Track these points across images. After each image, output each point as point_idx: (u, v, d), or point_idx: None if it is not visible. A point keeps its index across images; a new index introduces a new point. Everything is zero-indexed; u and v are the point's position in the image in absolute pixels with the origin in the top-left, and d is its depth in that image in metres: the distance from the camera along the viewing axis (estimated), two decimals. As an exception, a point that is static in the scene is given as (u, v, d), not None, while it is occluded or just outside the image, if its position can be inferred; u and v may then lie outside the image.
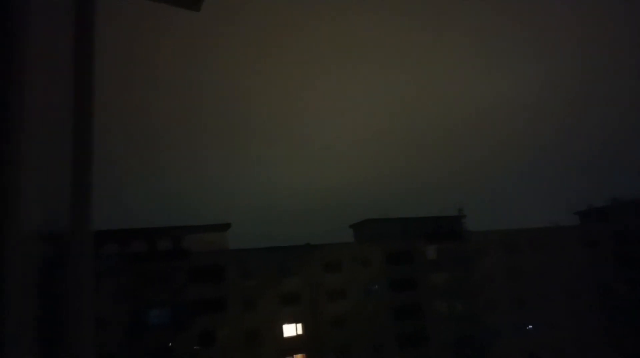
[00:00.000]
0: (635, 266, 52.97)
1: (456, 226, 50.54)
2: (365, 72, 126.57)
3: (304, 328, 42.08)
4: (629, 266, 53.19)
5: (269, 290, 41.36)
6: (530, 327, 49.07)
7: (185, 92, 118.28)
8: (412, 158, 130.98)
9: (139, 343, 36.36)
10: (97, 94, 1.38)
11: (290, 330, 41.84)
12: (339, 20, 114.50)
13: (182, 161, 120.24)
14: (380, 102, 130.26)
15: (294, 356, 41.39)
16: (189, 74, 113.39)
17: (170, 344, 37.86)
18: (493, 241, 49.99)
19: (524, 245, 51.20)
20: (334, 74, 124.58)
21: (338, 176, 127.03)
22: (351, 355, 42.23)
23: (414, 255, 47.22)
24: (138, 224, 40.70)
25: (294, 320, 41.97)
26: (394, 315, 44.65)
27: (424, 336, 45.11)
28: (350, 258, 44.99)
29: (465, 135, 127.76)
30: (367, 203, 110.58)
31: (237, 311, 40.14)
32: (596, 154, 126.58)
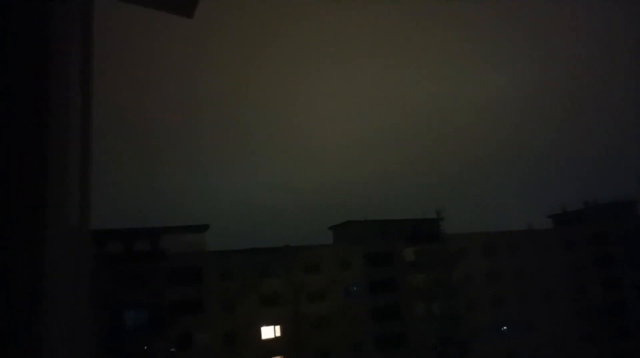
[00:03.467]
0: (608, 267, 54.46)
1: (435, 229, 51.16)
2: (347, 74, 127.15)
3: (282, 330, 41.98)
4: (602, 268, 54.66)
5: (248, 292, 41.16)
6: (504, 328, 49.97)
7: (168, 93, 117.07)
8: (392, 161, 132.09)
9: (114, 346, 35.73)
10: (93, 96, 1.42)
11: (269, 332, 41.70)
12: (329, 19, 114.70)
13: (162, 162, 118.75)
14: (362, 105, 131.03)
15: (273, 358, 41.28)
16: (176, 76, 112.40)
17: (145, 347, 37.31)
18: (470, 243, 50.79)
19: (500, 248, 52.17)
20: (317, 76, 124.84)
21: (319, 178, 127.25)
22: (330, 357, 42.31)
23: (393, 257, 47.60)
24: (116, 225, 40.00)
25: (273, 322, 41.84)
26: (373, 316, 44.91)
27: (403, 337, 45.49)
28: (330, 259, 45.11)
29: (446, 140, 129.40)
30: (347, 205, 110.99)
31: (215, 314, 39.83)
32: (572, 159, 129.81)
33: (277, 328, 41.92)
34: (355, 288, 45.39)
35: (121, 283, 37.06)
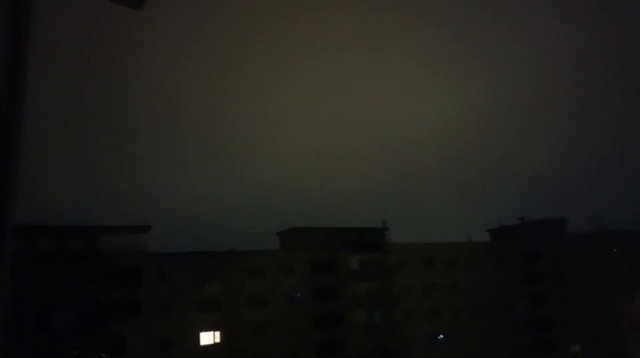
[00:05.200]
0: (537, 283, 57.44)
1: (379, 238, 52.08)
2: (300, 81, 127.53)
3: (222, 337, 41.17)
4: (531, 283, 57.56)
5: (188, 296, 40.11)
6: (441, 336, 51.55)
7: (116, 89, 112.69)
8: (339, 170, 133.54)
9: (41, 349, 33.68)
10: (28, 88, 1.34)
11: (208, 338, 40.77)
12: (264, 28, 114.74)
13: (105, 159, 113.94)
14: (315, 115, 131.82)
15: (211, 364, 40.32)
16: (122, 70, 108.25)
17: (75, 351, 35.44)
18: (412, 253, 52.10)
19: (439, 258, 53.84)
20: (270, 77, 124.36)
21: (266, 183, 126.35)
22: (269, 364, 41.92)
23: (337, 265, 47.98)
24: (51, 221, 37.91)
25: (213, 328, 40.96)
26: (314, 324, 44.97)
27: (343, 345, 45.82)
28: (273, 265, 44.84)
29: (393, 151, 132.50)
30: (294, 211, 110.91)
31: (152, 317, 38.47)
32: (513, 173, 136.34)
33: (217, 334, 41.07)
34: (298, 295, 45.33)
35: (52, 282, 35.05)
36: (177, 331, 39.00)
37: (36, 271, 33.96)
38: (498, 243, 62.18)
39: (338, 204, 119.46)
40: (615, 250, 55.42)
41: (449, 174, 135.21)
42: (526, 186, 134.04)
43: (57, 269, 35.59)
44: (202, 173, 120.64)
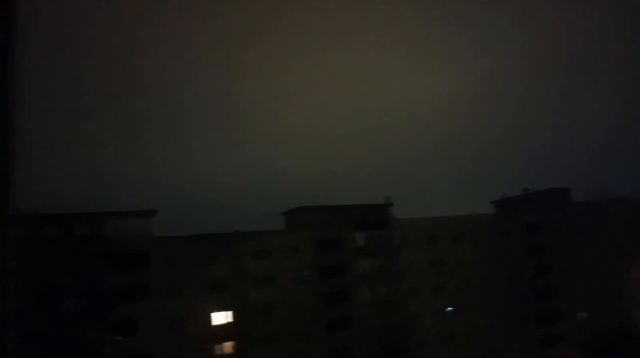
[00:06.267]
0: (542, 253, 57.70)
1: (384, 214, 52.18)
2: (307, 56, 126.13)
3: (231, 316, 41.76)
4: (536, 254, 57.82)
5: (196, 277, 40.49)
6: (449, 309, 52.17)
7: (118, 71, 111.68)
8: (343, 146, 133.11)
9: (55, 335, 34.24)
10: (24, 67, 1.24)
11: (219, 318, 41.36)
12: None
13: (108, 144, 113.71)
14: (314, 93, 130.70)
15: (223, 344, 41.00)
16: (119, 48, 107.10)
17: (88, 336, 36.00)
18: (417, 228, 52.27)
19: (444, 233, 54.03)
20: (275, 60, 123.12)
21: (270, 162, 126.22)
22: (280, 342, 42.55)
23: (342, 243, 48.23)
24: (58, 209, 38.12)
25: (223, 308, 41.50)
26: (322, 301, 45.48)
27: (351, 321, 46.41)
28: (280, 245, 45.11)
29: (394, 125, 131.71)
30: (298, 191, 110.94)
31: (162, 300, 38.94)
32: (514, 145, 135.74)
33: (226, 314, 41.65)
34: (305, 274, 45.73)
35: (60, 269, 35.41)
36: (186, 313, 39.52)
37: (44, 259, 34.25)
38: (502, 215, 62.22)
39: (341, 182, 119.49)
40: (620, 218, 55.40)
41: (451, 148, 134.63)
42: (530, 156, 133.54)
43: (65, 256, 35.91)
44: (204, 154, 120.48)
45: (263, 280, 43.50)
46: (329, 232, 47.74)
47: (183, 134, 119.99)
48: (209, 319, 40.94)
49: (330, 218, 49.19)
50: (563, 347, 54.14)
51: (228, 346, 41.21)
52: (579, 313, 56.21)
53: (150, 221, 41.76)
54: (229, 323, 41.54)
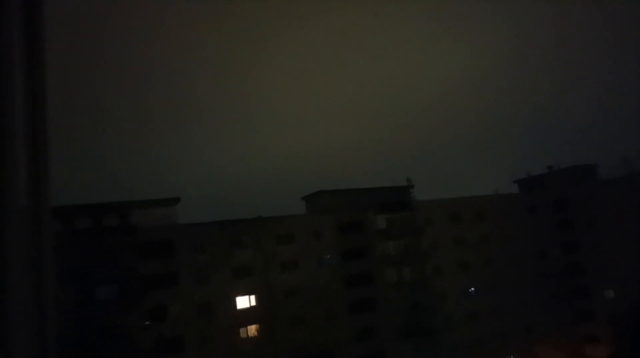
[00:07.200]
0: (568, 231, 56.86)
1: (405, 196, 51.99)
2: (317, 45, 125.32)
3: (257, 300, 42.47)
4: (563, 232, 57.04)
5: (221, 263, 41.25)
6: (472, 289, 51.99)
7: (136, 66, 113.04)
8: (362, 130, 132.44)
9: (87, 320, 35.50)
10: (51, 69, 1.35)
11: (244, 302, 42.13)
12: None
13: (130, 135, 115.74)
14: (332, 78, 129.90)
15: (248, 327, 41.85)
16: (137, 50, 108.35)
17: (119, 321, 37.21)
18: (439, 209, 52.00)
19: (467, 213, 53.64)
20: (286, 47, 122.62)
21: (291, 148, 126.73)
22: (305, 324, 43.22)
23: (364, 225, 48.33)
24: (85, 200, 39.13)
25: (248, 292, 42.26)
26: (346, 284, 45.85)
27: (375, 302, 46.74)
28: (302, 229, 45.47)
29: (414, 107, 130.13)
30: (319, 175, 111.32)
31: (189, 286, 39.89)
32: (537, 123, 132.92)
33: (252, 298, 42.38)
34: (327, 257, 46.08)
35: (91, 258, 36.53)
36: (213, 297, 40.39)
37: (76, 250, 35.35)
38: (527, 194, 61.30)
39: (362, 165, 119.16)
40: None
41: (473, 127, 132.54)
42: (554, 133, 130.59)
43: (96, 246, 36.98)
44: (225, 142, 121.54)
45: (287, 264, 44.03)
46: (350, 215, 47.85)
47: (205, 123, 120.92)
48: (235, 302, 41.74)
49: (351, 201, 49.26)
50: (591, 324, 53.55)
51: (253, 329, 42.04)
52: (607, 290, 55.40)
53: (174, 209, 42.60)
54: (253, 307, 42.29)
